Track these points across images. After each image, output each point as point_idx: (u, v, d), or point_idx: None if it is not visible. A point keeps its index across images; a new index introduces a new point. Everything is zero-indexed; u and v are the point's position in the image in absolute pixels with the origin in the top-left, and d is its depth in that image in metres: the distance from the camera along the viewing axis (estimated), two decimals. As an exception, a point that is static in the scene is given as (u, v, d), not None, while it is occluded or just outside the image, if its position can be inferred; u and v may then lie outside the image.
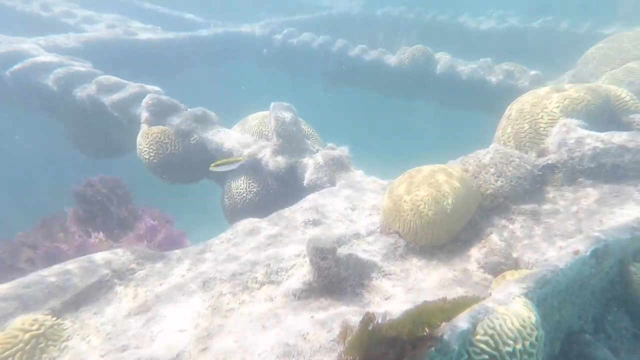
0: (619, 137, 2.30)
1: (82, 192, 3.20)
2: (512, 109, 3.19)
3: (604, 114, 2.72)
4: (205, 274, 2.22)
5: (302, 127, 4.52)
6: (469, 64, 7.37)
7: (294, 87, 9.93)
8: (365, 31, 11.39)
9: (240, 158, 3.53)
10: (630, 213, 2.09)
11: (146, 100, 3.90)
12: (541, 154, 2.78)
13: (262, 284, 2.15)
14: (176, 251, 2.56)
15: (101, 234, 2.96)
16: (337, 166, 3.66)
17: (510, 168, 2.70)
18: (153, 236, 3.07)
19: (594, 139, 2.39)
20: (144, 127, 3.83)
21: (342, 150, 3.94)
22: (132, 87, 4.42)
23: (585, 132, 2.50)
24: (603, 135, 2.40)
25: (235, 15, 10.73)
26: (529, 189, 2.61)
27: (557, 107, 2.78)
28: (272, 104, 3.65)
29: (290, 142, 3.59)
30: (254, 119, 4.10)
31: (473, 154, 3.04)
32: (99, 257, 2.35)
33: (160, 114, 3.87)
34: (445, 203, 2.41)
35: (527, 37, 9.31)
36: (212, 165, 3.30)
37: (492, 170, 2.68)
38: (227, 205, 3.83)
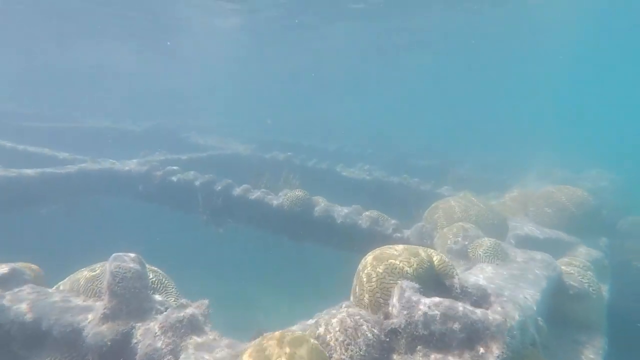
0: (440, 304, 2.49)
1: None
2: (362, 265, 3.35)
3: (431, 277, 3.01)
4: None
5: (158, 277, 4.00)
6: (343, 209, 8.13)
7: (173, 224, 9.42)
8: (253, 171, 12.13)
9: None
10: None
11: None
12: (387, 316, 2.83)
13: None
14: None
15: None
16: (186, 329, 3.14)
17: (360, 334, 2.65)
18: None
19: (424, 305, 2.54)
20: None
21: (199, 306, 3.49)
22: None
23: (417, 296, 2.66)
24: (430, 301, 2.58)
25: (118, 153, 10.39)
26: (379, 357, 2.52)
27: (394, 270, 3.00)
28: (112, 256, 3.17)
29: (130, 302, 3.04)
30: (87, 276, 3.46)
31: (327, 315, 2.97)
32: None
33: None
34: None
35: (388, 189, 11.02)
36: None
37: (341, 337, 2.58)
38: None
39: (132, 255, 3.25)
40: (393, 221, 7.40)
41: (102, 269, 3.53)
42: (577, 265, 3.96)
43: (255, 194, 8.56)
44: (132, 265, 3.19)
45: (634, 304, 5.32)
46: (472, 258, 4.31)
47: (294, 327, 3.41)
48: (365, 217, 7.77)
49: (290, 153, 14.35)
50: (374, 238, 7.37)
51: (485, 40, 20.00)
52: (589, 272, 3.88)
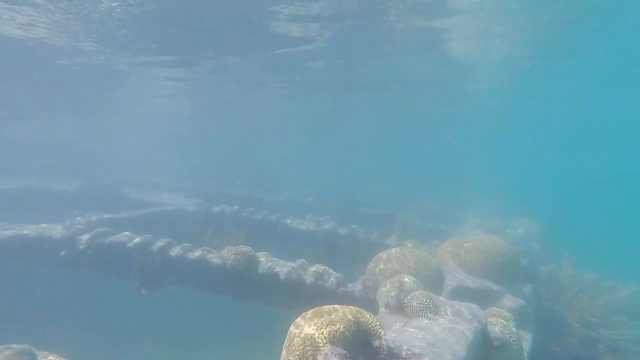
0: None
1: None
2: (289, 332, 3.20)
3: (359, 339, 2.94)
4: None
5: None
6: (287, 265, 7.90)
7: (104, 291, 8.57)
8: (198, 227, 11.61)
9: None
10: None
11: None
12: (313, 389, 2.67)
13: None
14: None
15: None
16: None
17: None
18: None
19: (347, 375, 2.44)
20: None
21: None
22: None
23: (342, 364, 2.56)
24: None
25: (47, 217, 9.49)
26: None
27: (321, 334, 2.90)
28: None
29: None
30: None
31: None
32: None
33: None
34: None
35: (338, 240, 11.04)
36: None
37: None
38: None
39: (18, 347, 2.79)
40: (338, 275, 7.31)
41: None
42: (500, 316, 4.11)
43: (196, 253, 8.12)
44: (25, 357, 2.77)
45: (554, 349, 5.58)
46: (408, 312, 4.31)
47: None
48: (310, 272, 7.61)
49: (238, 206, 14.04)
50: (318, 293, 7.18)
51: (423, 89, 21.25)
52: (510, 322, 4.03)
